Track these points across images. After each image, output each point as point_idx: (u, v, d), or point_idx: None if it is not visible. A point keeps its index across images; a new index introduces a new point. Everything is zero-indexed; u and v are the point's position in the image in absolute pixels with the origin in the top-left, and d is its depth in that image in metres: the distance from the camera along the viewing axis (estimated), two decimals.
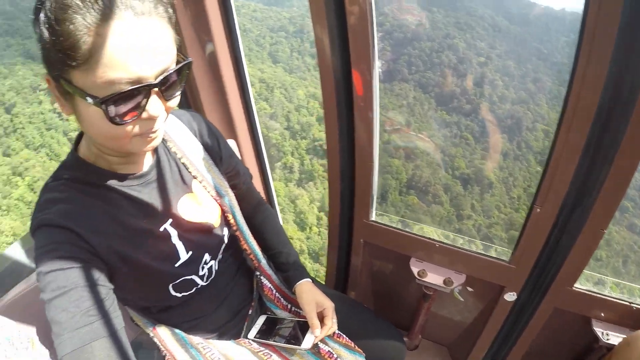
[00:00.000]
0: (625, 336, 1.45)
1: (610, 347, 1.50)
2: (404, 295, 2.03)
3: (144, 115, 0.76)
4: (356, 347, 1.27)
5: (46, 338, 0.97)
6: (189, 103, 1.83)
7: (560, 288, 1.50)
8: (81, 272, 0.82)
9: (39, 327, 1.01)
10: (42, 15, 0.68)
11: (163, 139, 1.07)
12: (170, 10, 0.77)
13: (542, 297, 1.56)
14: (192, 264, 1.07)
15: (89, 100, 0.70)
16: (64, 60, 0.69)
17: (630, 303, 1.47)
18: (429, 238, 1.72)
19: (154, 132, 0.82)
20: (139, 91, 0.73)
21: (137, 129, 0.78)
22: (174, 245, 1.02)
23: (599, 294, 1.50)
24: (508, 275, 1.59)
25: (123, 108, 0.73)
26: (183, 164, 1.09)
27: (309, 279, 1.30)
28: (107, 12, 0.66)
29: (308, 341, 1.17)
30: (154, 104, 0.76)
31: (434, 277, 1.70)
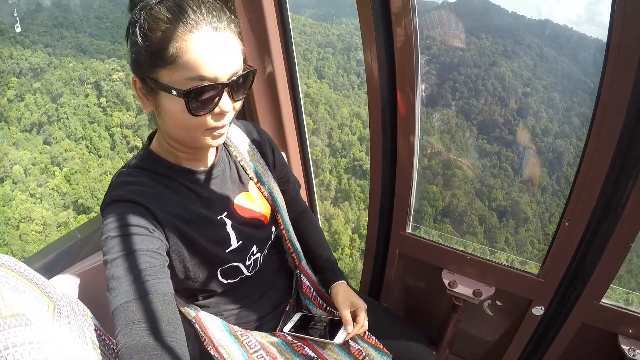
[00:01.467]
0: None
1: None
2: (434, 307, 2.07)
3: (216, 110, 0.91)
4: (385, 348, 1.34)
5: (97, 314, 1.03)
6: (246, 116, 1.98)
7: (588, 302, 1.49)
8: (144, 240, 0.91)
9: (92, 304, 1.07)
10: (137, 27, 0.87)
11: (225, 143, 1.21)
12: (239, 28, 0.95)
13: (569, 311, 1.56)
14: (241, 253, 1.15)
15: (174, 92, 0.86)
16: (155, 61, 0.86)
17: None
18: (461, 250, 1.75)
19: (222, 127, 0.95)
20: (214, 88, 0.87)
21: (209, 122, 0.92)
22: (228, 233, 1.12)
23: (626, 309, 1.48)
24: (536, 288, 1.61)
25: (200, 101, 0.88)
26: (242, 166, 1.22)
27: (344, 281, 1.39)
28: (192, 25, 0.84)
29: (340, 337, 1.23)
30: (225, 101, 0.91)
31: (463, 289, 1.75)
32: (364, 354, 1.29)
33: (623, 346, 1.48)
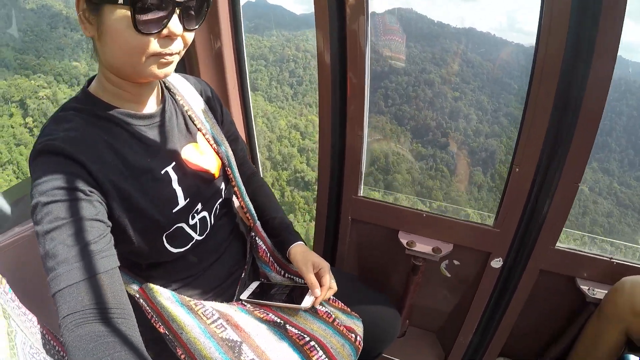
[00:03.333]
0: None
1: (597, 303, 1.54)
2: (393, 272, 2.04)
3: (165, 32, 0.83)
4: (352, 312, 1.28)
5: (16, 287, 0.90)
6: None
7: (544, 248, 1.54)
8: (81, 205, 0.82)
9: (16, 278, 0.96)
10: None
11: (171, 91, 1.13)
12: None
13: (527, 259, 1.60)
14: (186, 211, 1.06)
15: (120, 1, 0.77)
16: None
17: (610, 258, 1.52)
18: (416, 209, 1.76)
19: (170, 55, 0.88)
20: (166, 4, 0.81)
21: (155, 45, 0.84)
22: (174, 190, 1.02)
23: (580, 251, 1.55)
24: (493, 240, 1.63)
25: (148, 17, 0.80)
26: (189, 116, 1.14)
27: (302, 242, 1.31)
28: None
29: (307, 301, 1.15)
30: (175, 22, 0.83)
31: (422, 247, 1.73)
32: (333, 316, 1.22)
33: (582, 287, 1.53)
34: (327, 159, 1.80)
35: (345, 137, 1.73)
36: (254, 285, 1.27)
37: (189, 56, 1.87)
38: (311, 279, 1.19)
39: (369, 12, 1.49)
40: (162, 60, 0.87)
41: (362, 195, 1.85)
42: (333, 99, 1.66)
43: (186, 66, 1.89)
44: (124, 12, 0.79)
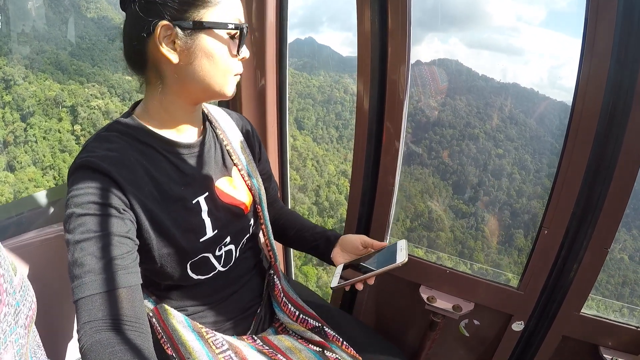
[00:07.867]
0: None
1: None
2: (411, 325, 1.97)
3: (241, 54, 0.98)
4: None
5: (37, 284, 0.91)
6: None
7: (568, 314, 1.49)
8: (113, 221, 0.85)
9: (37, 278, 1.02)
10: None
11: (213, 125, 1.18)
12: None
13: (550, 325, 1.54)
14: (214, 243, 1.08)
15: (230, 26, 0.92)
16: (201, 2, 0.90)
17: (637, 328, 1.44)
18: (440, 264, 1.73)
19: (239, 75, 1.01)
20: (244, 33, 0.96)
21: (238, 66, 0.99)
22: (203, 220, 1.05)
23: (606, 319, 1.48)
24: (516, 302, 1.58)
25: (240, 42, 0.96)
26: (227, 150, 1.17)
27: None
28: None
29: (401, 255, 1.13)
30: (245, 47, 0.99)
31: (443, 303, 1.69)
32: None
33: (605, 356, 1.49)
34: (357, 206, 1.81)
35: (376, 185, 1.74)
36: (339, 269, 1.25)
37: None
38: (384, 243, 1.23)
39: (410, 62, 1.52)
40: (236, 79, 1.01)
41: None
42: (368, 147, 1.69)
43: (229, 100, 1.98)
44: (221, 37, 0.92)
